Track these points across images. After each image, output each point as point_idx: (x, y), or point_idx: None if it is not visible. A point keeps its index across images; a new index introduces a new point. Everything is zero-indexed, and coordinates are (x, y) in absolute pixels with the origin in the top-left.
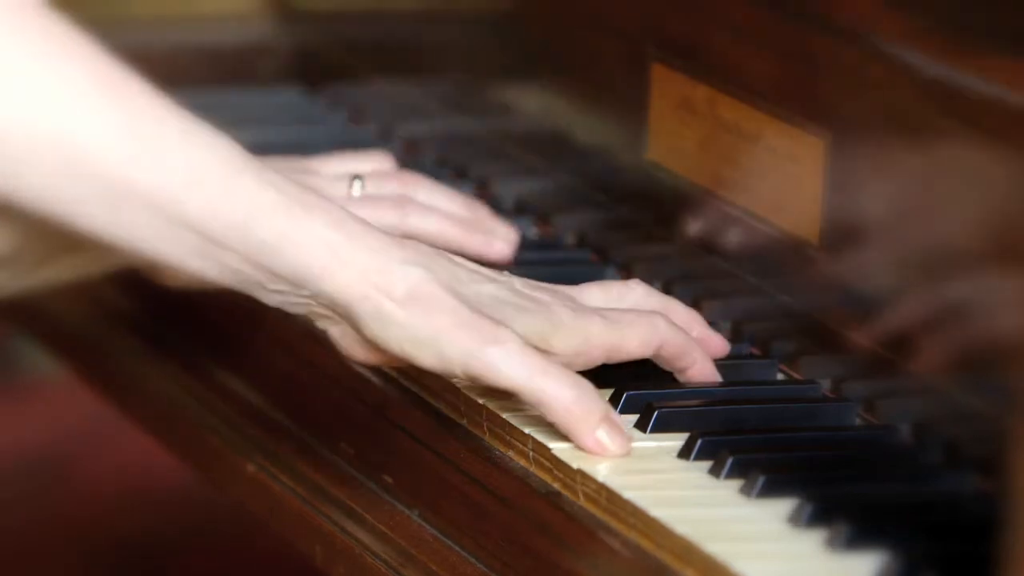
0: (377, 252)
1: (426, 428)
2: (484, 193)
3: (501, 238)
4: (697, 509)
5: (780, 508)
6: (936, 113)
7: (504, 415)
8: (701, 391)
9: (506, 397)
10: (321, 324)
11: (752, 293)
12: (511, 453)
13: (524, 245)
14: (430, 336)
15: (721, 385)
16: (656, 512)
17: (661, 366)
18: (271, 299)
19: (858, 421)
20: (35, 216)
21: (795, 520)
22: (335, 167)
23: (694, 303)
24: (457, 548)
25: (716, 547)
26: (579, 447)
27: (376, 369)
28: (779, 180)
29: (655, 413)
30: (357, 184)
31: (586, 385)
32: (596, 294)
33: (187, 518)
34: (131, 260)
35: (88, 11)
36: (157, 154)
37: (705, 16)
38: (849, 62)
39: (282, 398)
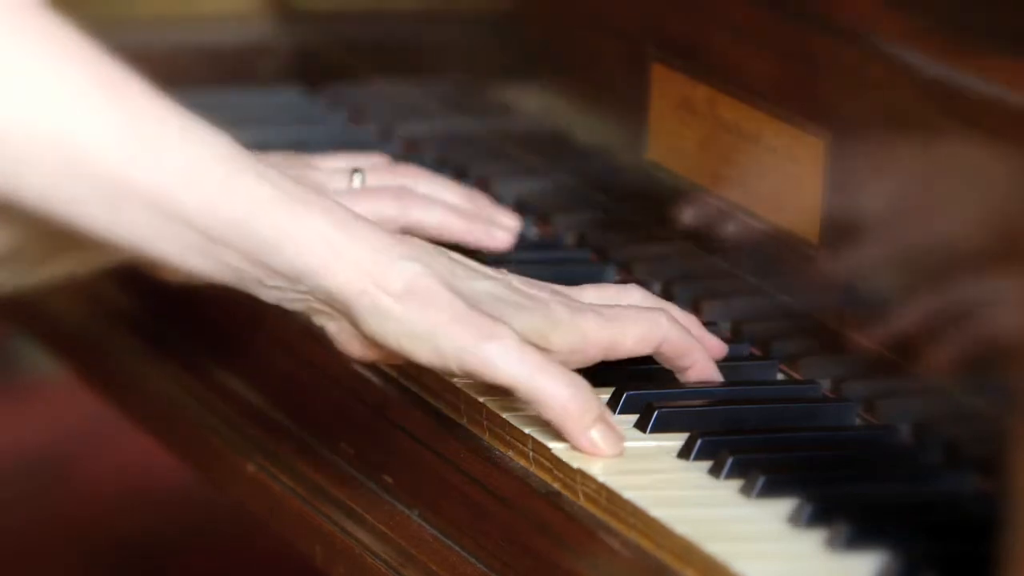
0: (375, 248)
1: (426, 428)
2: (484, 193)
3: (503, 228)
4: (697, 509)
5: (780, 508)
6: (936, 113)
7: (504, 415)
8: (701, 391)
9: (505, 395)
10: (318, 320)
11: (752, 293)
12: (511, 453)
13: (524, 245)
14: (427, 331)
15: (721, 385)
16: (656, 512)
17: (662, 365)
18: (269, 295)
19: (858, 421)
20: (35, 215)
21: (795, 520)
22: (333, 163)
23: (694, 303)
24: (457, 548)
25: (716, 547)
26: (573, 446)
27: (376, 369)
28: (779, 180)
29: (655, 413)
30: (357, 177)
31: (582, 384)
32: (592, 294)
33: (187, 518)
34: (131, 258)
35: (88, 11)
36: (157, 153)
37: (705, 16)
38: (849, 62)
39: (282, 398)
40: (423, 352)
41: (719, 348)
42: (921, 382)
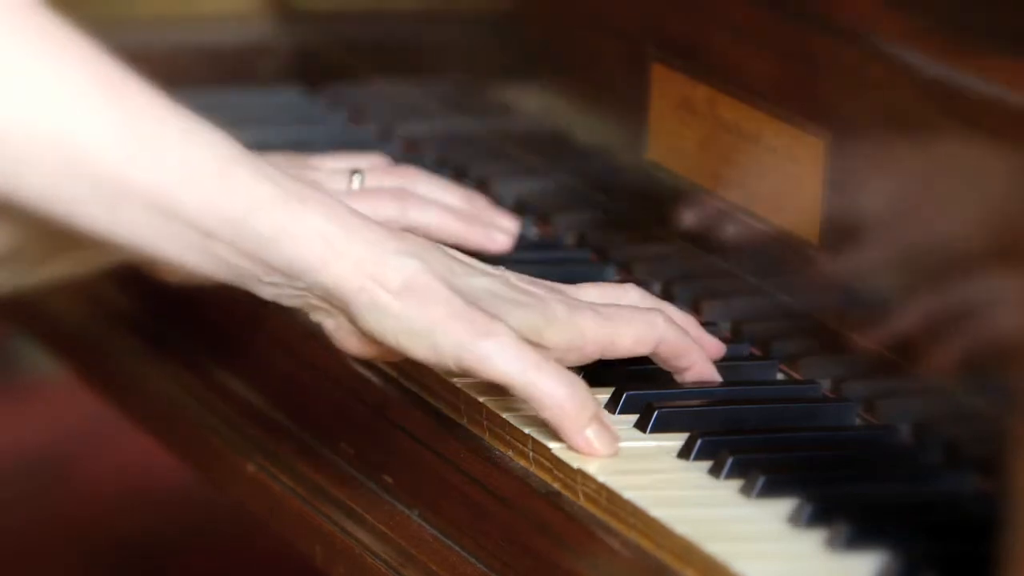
0: (373, 244)
1: (426, 428)
2: (484, 193)
3: (502, 230)
4: (697, 509)
5: (780, 508)
6: (936, 113)
7: (504, 415)
8: (701, 391)
9: (504, 394)
10: (316, 316)
11: (752, 293)
12: (511, 453)
13: (524, 245)
14: (424, 327)
15: (721, 385)
16: (656, 512)
17: (660, 366)
18: (266, 292)
19: (858, 421)
20: (35, 215)
21: (795, 520)
22: (332, 164)
23: (694, 303)
24: (457, 548)
25: (716, 547)
26: (567, 444)
27: (376, 369)
28: (779, 180)
29: (655, 413)
30: (357, 178)
31: (579, 383)
32: (591, 293)
33: (187, 518)
34: (130, 257)
35: (88, 11)
36: (155, 152)
37: (705, 16)
38: (849, 62)
39: (282, 398)
40: (420, 348)
41: (717, 348)
42: (921, 382)
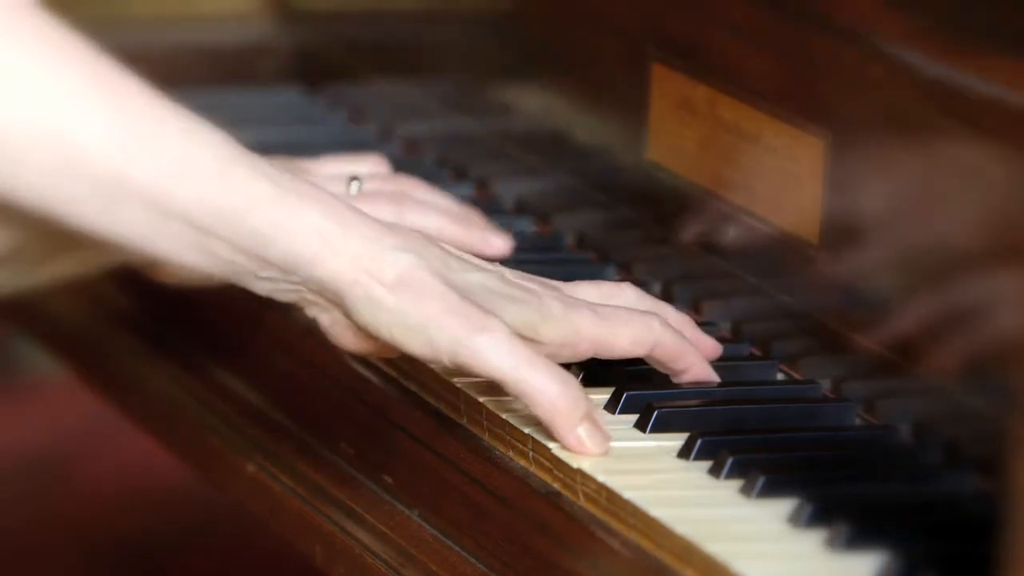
0: (369, 239)
1: (426, 428)
2: (484, 193)
3: (497, 239)
4: (697, 509)
5: (780, 508)
6: (936, 113)
7: (504, 415)
8: (701, 391)
9: (503, 394)
10: (311, 312)
11: (752, 293)
12: (511, 453)
13: (524, 245)
14: (419, 322)
15: (721, 385)
16: (656, 512)
17: (658, 369)
18: (262, 287)
19: (858, 421)
20: (33, 214)
21: (795, 520)
22: (331, 168)
23: (694, 303)
24: (457, 548)
25: (716, 547)
26: (559, 442)
27: (376, 369)
28: (779, 180)
29: (655, 413)
30: (355, 185)
31: (572, 381)
32: (588, 290)
33: (187, 518)
34: (130, 257)
35: (88, 11)
36: (154, 151)
37: (705, 16)
38: (849, 62)
39: (282, 398)
40: (415, 343)
41: (714, 349)
42: (921, 382)
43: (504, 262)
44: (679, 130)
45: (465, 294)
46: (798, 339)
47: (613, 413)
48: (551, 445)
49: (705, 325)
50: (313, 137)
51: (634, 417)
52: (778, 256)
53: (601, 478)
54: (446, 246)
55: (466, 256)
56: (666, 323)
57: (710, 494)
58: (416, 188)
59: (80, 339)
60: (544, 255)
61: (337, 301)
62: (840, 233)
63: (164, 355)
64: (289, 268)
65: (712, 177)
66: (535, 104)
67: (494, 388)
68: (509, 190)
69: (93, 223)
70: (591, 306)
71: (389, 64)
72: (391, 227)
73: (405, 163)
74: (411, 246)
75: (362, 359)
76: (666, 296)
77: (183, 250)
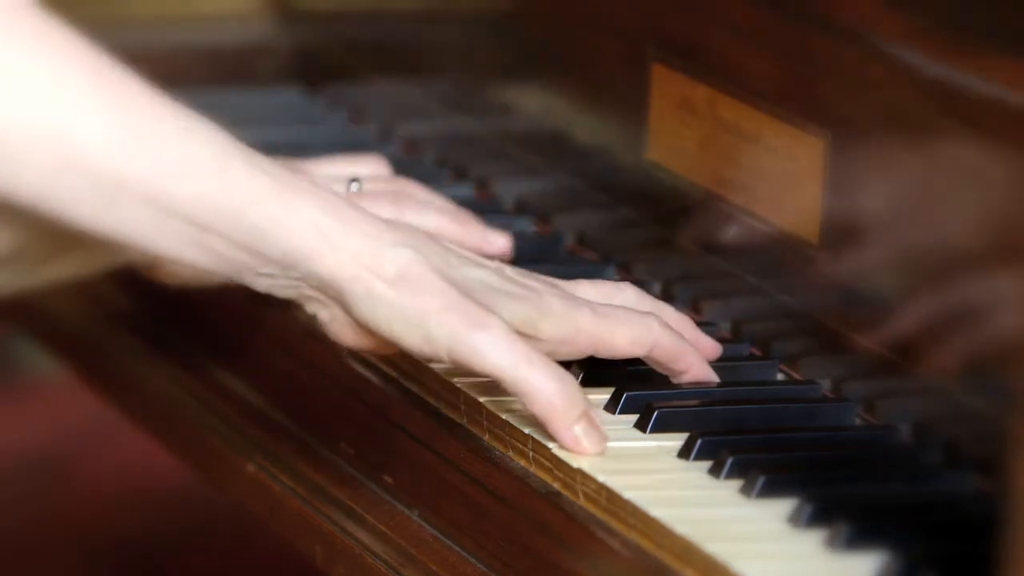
0: (368, 235)
1: (426, 428)
2: (484, 193)
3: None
4: (697, 509)
5: (780, 508)
6: (936, 113)
7: (504, 415)
8: (701, 391)
9: (503, 394)
10: (311, 308)
11: (752, 293)
12: (511, 453)
13: (524, 245)
14: (418, 317)
15: (721, 385)
16: (656, 512)
17: (657, 369)
18: (261, 284)
19: (858, 421)
20: (33, 214)
21: (795, 520)
22: (331, 169)
23: (694, 303)
24: (457, 548)
25: (716, 547)
26: (555, 440)
27: (376, 369)
28: (779, 180)
29: (655, 413)
30: (355, 186)
31: (569, 379)
32: (587, 290)
33: (187, 518)
34: (130, 257)
35: (88, 11)
36: (152, 149)
37: (705, 16)
38: (849, 62)
39: (282, 398)
40: (414, 338)
41: (713, 349)
42: (921, 382)
43: (504, 262)
44: (679, 130)
45: (465, 290)
46: (798, 339)
47: (613, 413)
48: (551, 445)
49: (705, 325)
50: (313, 137)
51: (634, 417)
52: (778, 256)
53: (601, 478)
54: (446, 243)
55: (466, 253)
56: (665, 324)
57: (710, 494)
58: (416, 190)
59: (80, 339)
60: (544, 255)
61: (337, 297)
62: (840, 233)
63: (164, 355)
64: (288, 264)
65: (712, 177)
66: (535, 104)
67: (494, 388)
68: (509, 190)
69: (93, 221)
70: (591, 304)
71: (389, 64)
72: (390, 223)
73: (405, 163)
74: (411, 242)
75: (362, 359)
76: (666, 296)
77: (183, 247)
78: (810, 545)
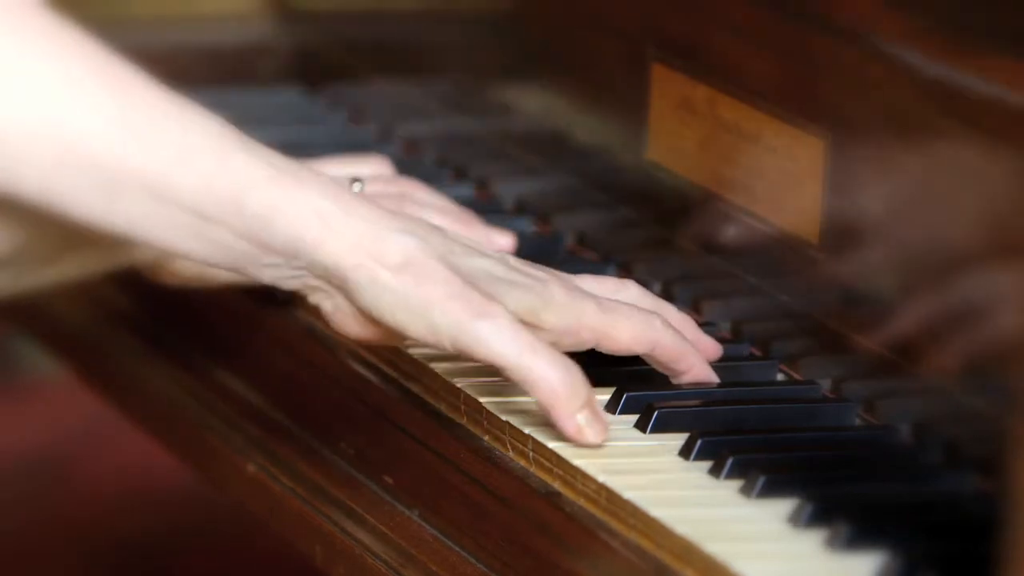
0: (371, 222)
1: (426, 428)
2: (484, 193)
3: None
4: (697, 509)
5: (780, 508)
6: (936, 113)
7: (504, 416)
8: (701, 391)
9: (503, 395)
10: (314, 298)
11: (752, 293)
12: (511, 453)
13: (524, 245)
14: (421, 306)
15: (721, 385)
16: (656, 512)
17: (657, 369)
18: (266, 275)
19: (858, 421)
20: (34, 209)
21: (795, 520)
22: (332, 170)
23: (694, 303)
24: (457, 548)
25: (716, 547)
26: (558, 428)
27: (376, 369)
28: (779, 180)
29: (655, 413)
30: (356, 186)
31: (573, 368)
32: (591, 284)
33: (187, 518)
34: (132, 258)
35: (88, 11)
36: (153, 140)
37: (705, 16)
38: (849, 62)
39: (282, 398)
40: (418, 327)
41: (714, 350)
42: (921, 382)
43: None
44: (679, 130)
45: (468, 279)
46: (798, 339)
47: (613, 413)
48: (551, 445)
49: (705, 325)
50: (313, 137)
51: (634, 417)
52: (778, 256)
53: (601, 478)
54: (450, 232)
55: (470, 242)
56: (668, 323)
57: (710, 494)
58: (418, 190)
59: (80, 339)
60: (544, 255)
61: (340, 285)
62: (840, 233)
63: (164, 355)
64: (291, 253)
65: (712, 177)
66: (535, 104)
67: (495, 389)
68: (509, 190)
69: (95, 215)
70: (595, 297)
71: (389, 64)
72: (394, 212)
73: (405, 163)
74: (414, 230)
75: (362, 359)
76: (666, 296)
77: (186, 239)
78: (810, 545)
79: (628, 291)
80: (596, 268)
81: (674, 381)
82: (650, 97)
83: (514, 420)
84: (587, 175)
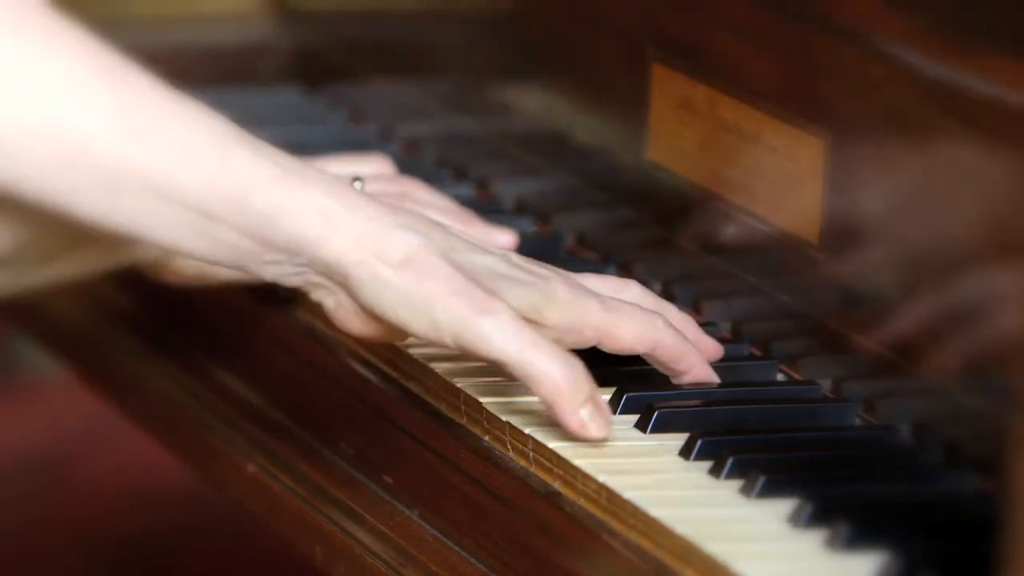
0: (374, 219)
1: (426, 428)
2: (484, 193)
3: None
4: (697, 509)
5: (780, 508)
6: (936, 113)
7: (504, 416)
8: (701, 391)
9: (504, 395)
10: (316, 295)
11: (752, 293)
12: (511, 453)
13: (524, 245)
14: (423, 302)
15: (721, 386)
16: (656, 512)
17: (658, 369)
18: (268, 272)
19: (858, 421)
20: (35, 207)
21: (795, 520)
22: (333, 169)
23: (694, 303)
24: (457, 548)
25: (716, 547)
26: (561, 424)
27: (376, 369)
28: (779, 180)
29: (655, 413)
30: (357, 185)
31: (576, 363)
32: (594, 283)
33: (187, 518)
34: (133, 257)
35: (88, 11)
36: (155, 138)
37: (705, 16)
38: (849, 62)
39: (282, 398)
40: (420, 324)
41: (715, 350)
42: (921, 382)
43: None
44: (679, 130)
45: (471, 275)
46: (798, 339)
47: (614, 413)
48: (552, 445)
49: (705, 325)
50: (313, 137)
51: (634, 417)
52: (778, 256)
53: (601, 478)
54: (452, 228)
55: (472, 238)
56: (669, 323)
57: (710, 494)
58: (419, 189)
59: (80, 339)
60: (544, 255)
61: (342, 282)
62: (840, 233)
63: (164, 355)
64: (293, 250)
65: (712, 177)
66: (535, 104)
67: (495, 389)
68: (509, 190)
69: (98, 214)
70: (598, 296)
71: (389, 64)
72: (396, 209)
73: (405, 163)
74: (417, 227)
75: (362, 359)
76: (666, 296)
77: (188, 237)
78: (810, 545)
79: (631, 291)
80: (596, 268)
81: (675, 381)
82: (650, 97)
83: (514, 420)
84: (587, 175)
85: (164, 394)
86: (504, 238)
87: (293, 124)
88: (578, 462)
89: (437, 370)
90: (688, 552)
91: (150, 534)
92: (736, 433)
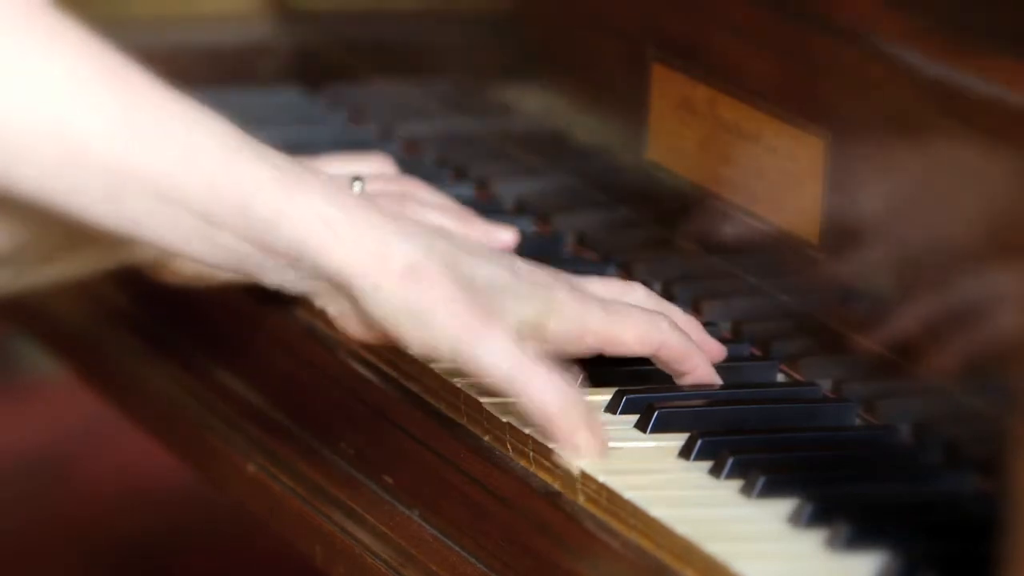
0: (376, 228)
1: (426, 428)
2: (484, 193)
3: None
4: (697, 509)
5: (780, 508)
6: (936, 113)
7: (504, 417)
8: (701, 392)
9: (502, 394)
10: (320, 302)
11: (752, 293)
12: (511, 453)
13: (524, 245)
14: (423, 316)
15: (722, 386)
16: (656, 512)
17: (662, 369)
18: (270, 278)
19: (858, 421)
20: (37, 207)
21: (795, 520)
22: (335, 168)
23: (694, 303)
24: (457, 548)
25: (716, 547)
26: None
27: (376, 369)
28: (779, 180)
29: (655, 413)
30: (358, 185)
31: (570, 391)
32: (597, 287)
33: (187, 518)
34: (133, 257)
35: (88, 11)
36: (157, 140)
37: (705, 16)
38: (849, 62)
39: (282, 398)
40: (418, 335)
41: (719, 351)
42: (921, 382)
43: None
44: (679, 130)
45: (472, 289)
46: (798, 339)
47: (614, 413)
48: (552, 446)
49: (705, 325)
50: (313, 137)
51: (635, 417)
52: (778, 256)
53: (601, 478)
54: (455, 237)
55: (476, 246)
56: (673, 323)
57: (710, 494)
58: (419, 189)
59: (80, 339)
60: (544, 255)
61: (345, 290)
62: (840, 233)
63: (164, 355)
64: (295, 257)
65: (712, 177)
66: (535, 104)
67: (495, 389)
68: (509, 190)
69: (96, 213)
70: (600, 301)
71: (389, 64)
72: (399, 218)
73: (405, 163)
74: (419, 236)
75: (362, 359)
76: (666, 296)
77: (189, 241)
78: (810, 545)
79: (635, 294)
80: (596, 268)
81: (677, 382)
82: (650, 97)
83: (514, 420)
84: (587, 175)
85: (164, 394)
86: (505, 236)
87: (293, 124)
88: (576, 464)
89: (437, 370)
90: (688, 552)
91: (150, 534)
92: (736, 433)
